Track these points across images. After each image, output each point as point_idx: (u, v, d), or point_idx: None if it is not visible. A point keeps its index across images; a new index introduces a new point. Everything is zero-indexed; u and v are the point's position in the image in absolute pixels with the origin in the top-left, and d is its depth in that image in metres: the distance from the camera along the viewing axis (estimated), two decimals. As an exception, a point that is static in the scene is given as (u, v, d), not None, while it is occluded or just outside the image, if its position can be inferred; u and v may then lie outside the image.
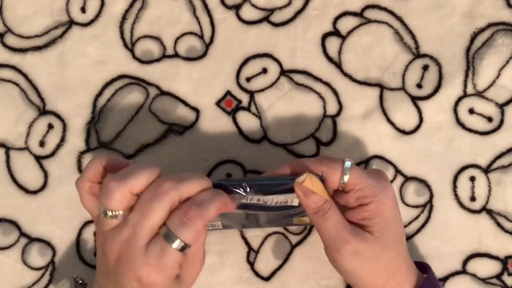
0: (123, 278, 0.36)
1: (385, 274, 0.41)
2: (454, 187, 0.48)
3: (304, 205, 0.40)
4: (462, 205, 0.48)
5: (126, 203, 0.36)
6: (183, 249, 0.36)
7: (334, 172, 0.39)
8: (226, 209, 0.38)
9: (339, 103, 0.49)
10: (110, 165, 0.40)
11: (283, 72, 0.49)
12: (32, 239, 0.49)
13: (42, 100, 0.49)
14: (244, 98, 0.49)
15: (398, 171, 0.48)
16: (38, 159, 0.49)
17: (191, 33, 0.49)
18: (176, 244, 0.36)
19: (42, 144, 0.49)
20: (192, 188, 0.37)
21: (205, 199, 0.37)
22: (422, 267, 0.44)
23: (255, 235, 0.48)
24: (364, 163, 0.49)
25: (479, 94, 0.48)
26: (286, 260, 0.48)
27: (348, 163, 0.39)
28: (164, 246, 0.36)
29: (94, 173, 0.39)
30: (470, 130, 0.48)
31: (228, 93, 0.49)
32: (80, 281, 0.44)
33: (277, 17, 0.49)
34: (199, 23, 0.49)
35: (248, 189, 0.40)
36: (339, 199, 0.41)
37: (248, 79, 0.49)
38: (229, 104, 0.49)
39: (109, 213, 0.36)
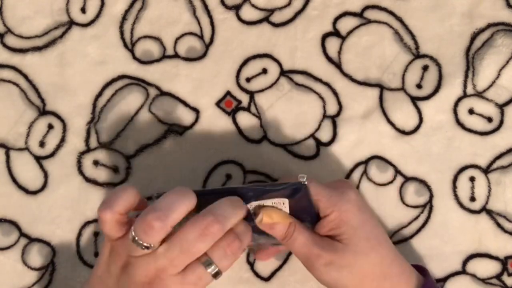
0: None
1: (372, 280, 0.40)
2: (454, 187, 0.48)
3: (273, 236, 0.40)
4: (462, 205, 0.48)
5: (164, 236, 0.36)
6: (216, 275, 0.37)
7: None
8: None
9: (339, 103, 0.49)
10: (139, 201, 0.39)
11: (283, 72, 0.49)
12: (32, 239, 0.49)
13: (42, 100, 0.49)
14: (244, 98, 0.49)
15: (398, 171, 0.48)
16: (38, 159, 0.49)
17: (191, 33, 0.49)
18: (213, 270, 0.37)
19: (42, 144, 0.49)
20: (235, 223, 0.38)
21: (243, 231, 0.38)
22: (420, 270, 0.44)
23: (255, 235, 0.48)
24: (364, 163, 0.49)
25: (479, 95, 0.48)
26: (286, 260, 0.48)
27: (302, 179, 0.38)
28: (203, 275, 0.36)
29: (125, 207, 0.38)
30: (470, 130, 0.48)
31: (228, 93, 0.49)
32: None
33: (277, 17, 0.49)
34: (199, 23, 0.49)
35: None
36: None
37: (248, 80, 0.49)
38: (229, 105, 0.49)
39: (145, 245, 0.36)
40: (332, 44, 0.49)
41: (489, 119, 0.48)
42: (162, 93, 0.49)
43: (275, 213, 0.39)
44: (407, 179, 0.48)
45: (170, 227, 0.36)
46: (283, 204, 0.39)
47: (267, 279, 0.48)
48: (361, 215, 0.41)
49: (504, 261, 0.48)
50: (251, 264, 0.48)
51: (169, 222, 0.36)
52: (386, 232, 0.44)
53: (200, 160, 0.49)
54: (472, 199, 0.48)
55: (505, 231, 0.48)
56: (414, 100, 0.49)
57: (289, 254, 0.48)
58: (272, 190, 0.39)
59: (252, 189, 0.39)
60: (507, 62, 0.48)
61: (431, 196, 0.48)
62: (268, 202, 0.39)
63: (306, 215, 0.41)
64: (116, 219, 0.37)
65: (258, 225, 0.39)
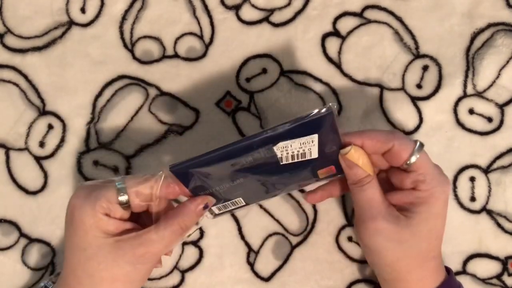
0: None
1: (409, 264, 0.40)
2: (454, 187, 0.48)
3: (346, 175, 0.41)
4: (462, 206, 0.48)
5: None
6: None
7: (405, 149, 0.39)
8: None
9: (339, 103, 0.49)
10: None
11: (283, 72, 0.49)
12: (32, 240, 0.49)
13: (42, 100, 0.49)
14: (244, 99, 0.49)
15: (398, 171, 0.48)
16: (38, 159, 0.49)
17: (191, 33, 0.49)
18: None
19: (42, 144, 0.49)
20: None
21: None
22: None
23: (255, 236, 0.48)
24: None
25: (479, 94, 0.48)
26: (286, 260, 0.48)
27: (420, 145, 0.39)
28: None
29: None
30: (470, 130, 0.48)
31: (228, 93, 0.49)
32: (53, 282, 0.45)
33: (277, 17, 0.49)
34: (199, 23, 0.49)
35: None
36: (393, 177, 0.41)
37: (248, 79, 0.49)
38: (229, 105, 0.49)
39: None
40: (332, 44, 0.49)
41: (489, 119, 0.48)
42: (162, 93, 0.49)
43: (363, 156, 0.40)
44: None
45: None
46: (312, 142, 0.38)
47: (267, 279, 0.48)
48: (443, 209, 0.41)
49: (504, 261, 0.48)
50: (251, 264, 0.48)
51: None
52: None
53: (200, 160, 0.49)
54: (472, 199, 0.48)
55: (505, 231, 0.48)
56: (414, 100, 0.49)
57: (289, 254, 0.48)
58: (296, 126, 0.37)
59: (274, 132, 0.37)
60: (507, 62, 0.48)
61: (431, 196, 0.48)
62: (296, 142, 0.38)
63: (332, 144, 0.39)
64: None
65: (340, 157, 0.40)
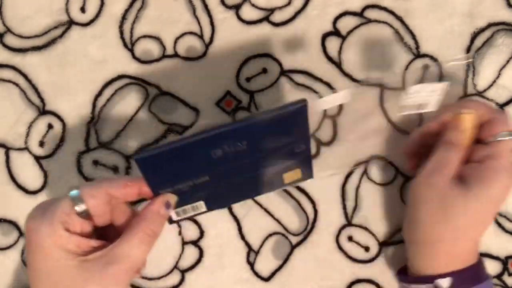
0: None
1: (443, 233, 0.40)
2: (455, 187, 0.48)
3: (447, 132, 0.42)
4: (462, 205, 0.48)
5: None
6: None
7: (503, 123, 0.40)
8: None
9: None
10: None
11: (283, 72, 0.49)
12: (31, 239, 0.49)
13: (42, 100, 0.49)
14: (244, 98, 0.49)
15: (398, 171, 0.48)
16: (38, 159, 0.49)
17: (191, 33, 0.49)
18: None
19: (42, 144, 0.49)
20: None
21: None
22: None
23: (255, 235, 0.48)
24: (365, 163, 0.49)
25: (480, 94, 0.48)
26: (286, 260, 0.48)
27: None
28: None
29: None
30: (470, 130, 0.48)
31: (228, 93, 0.49)
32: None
33: (277, 17, 0.49)
34: (199, 23, 0.49)
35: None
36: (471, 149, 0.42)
37: (248, 79, 0.49)
38: (229, 104, 0.49)
39: None
40: (332, 44, 0.49)
41: (490, 119, 0.48)
42: (162, 93, 0.49)
43: (470, 124, 0.41)
44: (408, 179, 0.48)
45: None
46: (285, 137, 0.37)
47: (267, 279, 0.48)
48: (498, 195, 0.40)
49: (504, 261, 0.48)
50: (251, 264, 0.48)
51: None
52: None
53: (200, 160, 0.49)
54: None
55: (506, 231, 0.48)
56: (414, 100, 0.49)
57: (289, 254, 0.48)
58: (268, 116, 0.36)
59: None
60: (507, 61, 0.48)
61: (432, 196, 0.48)
62: (268, 136, 0.37)
63: (301, 143, 0.39)
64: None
65: (462, 118, 0.41)
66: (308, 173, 0.43)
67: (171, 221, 0.43)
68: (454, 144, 0.41)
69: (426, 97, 0.40)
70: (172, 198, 0.39)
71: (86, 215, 0.37)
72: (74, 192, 0.37)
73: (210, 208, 0.43)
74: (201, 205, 0.42)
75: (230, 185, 0.41)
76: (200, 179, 0.39)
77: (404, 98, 0.39)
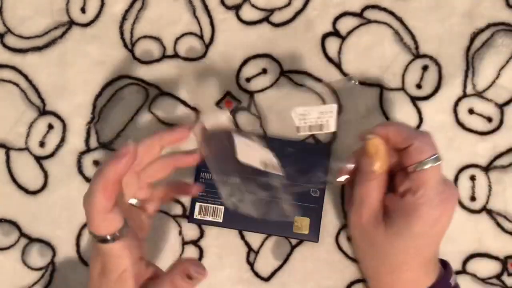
0: None
1: (379, 268, 0.40)
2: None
3: (361, 162, 0.40)
4: (462, 205, 0.48)
5: None
6: None
7: (420, 153, 0.38)
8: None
9: (339, 103, 0.49)
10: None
11: (283, 72, 0.49)
12: (32, 239, 0.49)
13: (42, 100, 0.49)
14: (244, 98, 0.49)
15: (398, 171, 0.48)
16: (38, 159, 0.49)
17: (191, 33, 0.49)
18: None
19: (42, 144, 0.49)
20: None
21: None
22: (443, 264, 0.43)
23: (255, 235, 0.48)
24: (364, 163, 0.49)
25: (479, 94, 0.48)
26: (286, 260, 0.48)
27: (435, 158, 0.38)
28: None
29: None
30: (470, 130, 0.48)
31: (228, 93, 0.49)
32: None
33: (277, 17, 0.49)
34: (199, 23, 0.49)
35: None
36: (396, 177, 0.40)
37: (248, 80, 0.49)
38: (229, 104, 0.49)
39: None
40: (332, 44, 0.49)
41: (489, 119, 0.48)
42: (162, 93, 0.49)
43: (382, 150, 0.39)
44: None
45: None
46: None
47: (267, 279, 0.48)
48: (426, 230, 0.38)
49: (504, 261, 0.48)
50: (251, 264, 0.48)
51: None
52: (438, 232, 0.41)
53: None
54: (473, 198, 0.48)
55: (505, 231, 0.48)
56: (414, 100, 0.49)
57: (289, 254, 0.48)
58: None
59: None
60: (507, 61, 0.48)
61: (431, 196, 0.48)
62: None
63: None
64: None
65: (367, 144, 0.39)
66: (315, 233, 0.46)
67: (190, 219, 0.46)
68: (367, 173, 0.39)
69: (321, 118, 0.38)
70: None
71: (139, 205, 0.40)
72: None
73: (224, 221, 0.46)
74: (220, 211, 0.44)
75: (252, 202, 0.42)
76: (232, 179, 0.40)
77: (296, 120, 0.38)
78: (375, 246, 0.39)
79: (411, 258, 0.39)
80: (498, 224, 0.48)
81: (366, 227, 0.39)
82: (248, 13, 0.49)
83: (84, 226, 0.49)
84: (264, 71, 0.49)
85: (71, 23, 0.49)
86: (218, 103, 0.49)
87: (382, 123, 0.39)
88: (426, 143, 0.38)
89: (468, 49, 0.48)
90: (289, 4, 0.49)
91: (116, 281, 0.36)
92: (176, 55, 0.49)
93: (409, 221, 0.38)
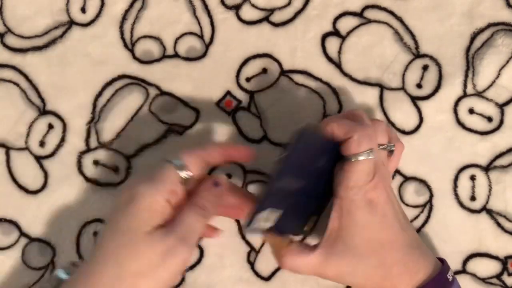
0: None
1: (370, 281, 0.41)
2: (455, 186, 0.48)
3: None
4: (462, 205, 0.48)
5: None
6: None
7: (355, 146, 0.38)
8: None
9: (339, 103, 0.49)
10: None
11: (283, 72, 0.49)
12: (32, 239, 0.49)
13: (42, 100, 0.49)
14: (244, 98, 0.49)
15: (397, 171, 0.48)
16: (38, 159, 0.49)
17: (191, 33, 0.49)
18: None
19: (42, 144, 0.49)
20: None
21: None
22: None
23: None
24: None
25: (479, 94, 0.48)
26: (286, 260, 0.48)
27: (369, 152, 0.38)
28: None
29: None
30: (470, 130, 0.48)
31: (228, 93, 0.49)
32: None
33: (277, 17, 0.49)
34: (199, 23, 0.49)
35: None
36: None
37: (248, 79, 0.49)
38: (229, 104, 0.49)
39: None
40: (332, 44, 0.49)
41: (489, 119, 0.48)
42: (162, 93, 0.49)
43: (275, 242, 0.43)
44: (407, 178, 0.48)
45: None
46: None
47: (267, 279, 0.48)
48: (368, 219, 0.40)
49: (504, 261, 0.48)
50: (251, 264, 0.48)
51: None
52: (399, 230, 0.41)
53: (200, 160, 0.49)
54: (473, 198, 0.48)
55: (505, 231, 0.48)
56: (414, 100, 0.49)
57: (289, 254, 0.48)
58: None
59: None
60: (507, 61, 0.48)
61: (431, 196, 0.48)
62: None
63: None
64: None
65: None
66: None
67: (248, 230, 0.42)
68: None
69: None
70: (222, 178, 0.42)
71: (187, 183, 0.40)
72: (178, 161, 0.39)
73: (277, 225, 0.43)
74: (272, 216, 0.42)
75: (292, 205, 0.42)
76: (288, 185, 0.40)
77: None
78: (333, 253, 0.41)
79: (369, 275, 0.40)
80: (498, 224, 0.48)
81: (312, 271, 0.42)
82: (248, 13, 0.49)
83: (84, 225, 0.49)
84: (264, 71, 0.49)
85: (71, 23, 0.49)
86: (218, 103, 0.49)
87: (324, 119, 0.40)
88: (364, 134, 0.38)
89: (468, 49, 0.49)
90: (289, 4, 0.49)
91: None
92: (176, 55, 0.49)
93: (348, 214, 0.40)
